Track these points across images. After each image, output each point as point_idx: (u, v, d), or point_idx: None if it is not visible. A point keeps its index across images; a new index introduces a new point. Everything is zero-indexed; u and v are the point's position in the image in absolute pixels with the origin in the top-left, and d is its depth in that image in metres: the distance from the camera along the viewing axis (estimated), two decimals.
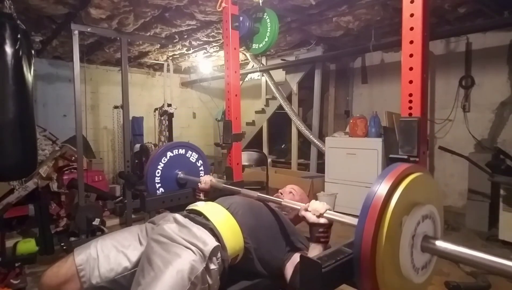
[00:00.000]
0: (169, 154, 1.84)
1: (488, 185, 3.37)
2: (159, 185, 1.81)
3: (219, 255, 1.19)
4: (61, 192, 3.64)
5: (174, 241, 1.18)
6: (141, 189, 1.85)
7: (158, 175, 1.81)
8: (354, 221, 0.96)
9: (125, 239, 1.32)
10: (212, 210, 1.35)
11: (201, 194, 1.72)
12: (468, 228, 3.55)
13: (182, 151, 1.89)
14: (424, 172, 0.89)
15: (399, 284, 0.82)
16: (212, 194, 1.70)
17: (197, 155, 1.94)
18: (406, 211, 0.81)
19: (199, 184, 1.73)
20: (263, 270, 1.32)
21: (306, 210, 1.14)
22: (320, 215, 1.11)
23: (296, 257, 1.27)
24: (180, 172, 1.86)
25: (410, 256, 0.82)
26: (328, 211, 1.11)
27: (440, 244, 0.83)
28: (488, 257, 0.76)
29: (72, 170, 3.71)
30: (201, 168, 1.95)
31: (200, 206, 1.39)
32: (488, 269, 0.75)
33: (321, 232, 1.12)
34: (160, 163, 1.81)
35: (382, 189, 0.80)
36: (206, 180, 1.70)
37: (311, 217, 1.12)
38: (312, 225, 1.13)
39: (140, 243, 1.31)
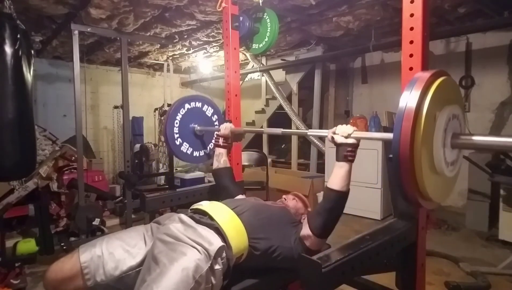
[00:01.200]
0: (187, 106, 1.90)
1: (488, 185, 3.37)
2: (177, 135, 1.87)
3: (224, 254, 1.19)
4: (61, 192, 3.63)
5: (180, 240, 1.19)
6: (141, 189, 1.85)
7: (177, 125, 1.86)
8: (386, 135, 1.07)
9: (131, 238, 1.32)
10: (217, 210, 1.35)
11: (221, 139, 1.78)
12: (468, 228, 3.55)
13: (199, 105, 1.94)
14: (447, 76, 0.94)
15: (434, 179, 0.90)
16: (233, 139, 1.79)
17: (212, 110, 2.00)
18: (439, 108, 0.88)
19: (217, 132, 1.80)
20: (269, 265, 1.33)
21: (334, 133, 1.21)
22: (348, 136, 1.18)
23: (304, 222, 1.33)
24: (196, 125, 1.92)
25: (442, 151, 0.89)
26: (355, 132, 1.19)
27: (468, 137, 0.93)
28: (504, 139, 0.85)
29: (72, 170, 3.70)
30: (216, 123, 2.01)
31: (205, 205, 1.39)
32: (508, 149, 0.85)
33: (349, 151, 1.19)
34: (178, 114, 1.86)
35: (414, 94, 0.85)
36: (226, 126, 1.77)
37: (340, 138, 1.20)
38: (340, 145, 1.20)
39: (146, 243, 1.31)
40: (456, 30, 3.79)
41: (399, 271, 1.25)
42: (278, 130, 1.52)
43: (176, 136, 1.86)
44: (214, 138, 1.86)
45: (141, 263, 1.23)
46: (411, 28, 1.15)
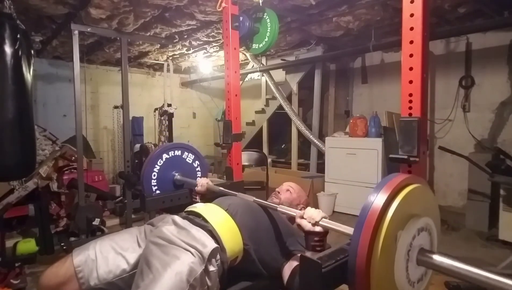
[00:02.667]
0: (165, 156, 1.83)
1: (488, 185, 3.37)
2: (156, 187, 1.81)
3: (218, 257, 1.19)
4: (61, 192, 3.63)
5: (172, 243, 1.17)
6: (141, 189, 1.85)
7: (155, 177, 1.81)
8: (350, 230, 0.93)
9: (124, 241, 1.32)
10: (211, 211, 1.34)
11: (197, 197, 1.71)
12: (468, 228, 3.55)
13: (178, 153, 1.88)
14: (421, 183, 0.88)
15: None
16: (209, 196, 1.68)
17: (193, 156, 1.93)
18: (402, 225, 0.79)
19: (195, 188, 1.71)
20: (263, 270, 1.32)
21: (302, 217, 1.10)
22: (315, 223, 1.07)
23: (293, 260, 1.26)
24: (177, 174, 1.86)
25: (405, 270, 0.80)
26: (323, 219, 1.07)
27: (436, 258, 0.82)
28: (485, 274, 0.73)
29: (72, 170, 3.70)
30: (198, 168, 1.95)
31: (199, 207, 1.38)
32: (485, 286, 0.73)
33: (317, 241, 1.07)
34: (156, 166, 1.81)
35: (378, 201, 0.79)
36: (203, 183, 1.68)
37: (307, 225, 1.08)
38: (308, 233, 1.09)
39: (139, 245, 1.31)
40: (456, 30, 3.79)
41: None
42: (251, 198, 1.39)
43: (154, 188, 1.81)
44: (193, 192, 1.78)
45: (134, 266, 1.23)
46: (411, 28, 1.15)
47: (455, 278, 0.81)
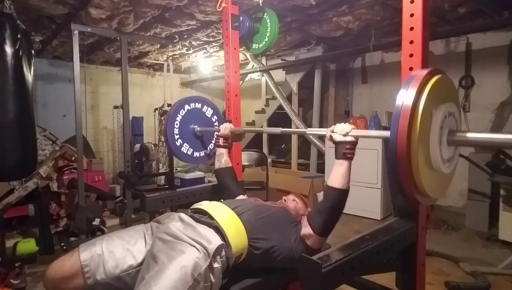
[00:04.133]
0: (186, 107, 1.91)
1: (488, 185, 3.36)
2: (178, 136, 1.89)
3: (223, 253, 1.20)
4: (61, 192, 3.64)
5: (179, 239, 1.19)
6: (141, 189, 1.86)
7: (177, 126, 1.88)
8: (383, 133, 1.09)
9: (131, 237, 1.32)
10: (217, 209, 1.36)
11: (221, 140, 1.79)
12: (468, 228, 3.55)
13: (198, 105, 1.96)
14: (443, 74, 0.94)
15: (431, 176, 0.91)
16: (232, 140, 1.80)
17: (212, 110, 2.01)
18: (435, 105, 0.89)
19: (217, 132, 1.81)
20: (269, 265, 1.33)
21: (333, 131, 1.22)
22: (346, 134, 1.19)
23: (304, 221, 1.34)
24: (196, 126, 1.93)
25: (439, 149, 0.89)
26: (353, 130, 1.20)
27: (463, 134, 0.93)
28: (500, 136, 0.85)
29: (72, 170, 3.70)
30: (216, 123, 2.02)
31: (205, 205, 1.40)
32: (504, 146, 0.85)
33: (348, 148, 1.20)
34: (179, 115, 1.88)
35: (410, 92, 0.86)
36: (226, 126, 1.79)
37: (338, 137, 1.21)
38: (339, 143, 1.21)
39: (146, 242, 1.31)
40: (456, 30, 3.79)
41: (399, 271, 1.25)
42: (278, 130, 1.53)
43: (176, 137, 1.87)
44: (214, 138, 1.88)
45: (141, 263, 1.24)
46: (411, 28, 1.15)
47: (480, 147, 0.97)
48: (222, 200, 1.55)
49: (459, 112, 1.00)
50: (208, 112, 1.99)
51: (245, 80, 6.11)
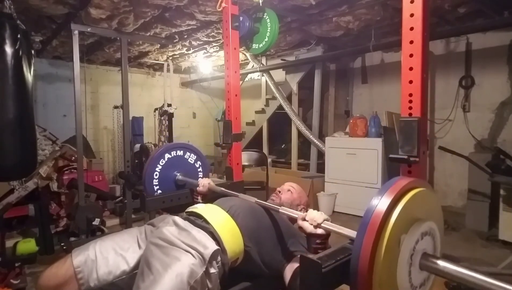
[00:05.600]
0: (167, 156, 1.83)
1: (488, 185, 3.36)
2: (157, 187, 1.81)
3: (219, 258, 1.18)
4: (61, 192, 3.63)
5: (173, 244, 1.17)
6: (141, 189, 1.85)
7: (156, 177, 1.81)
8: (352, 233, 0.94)
9: (124, 242, 1.31)
10: (212, 212, 1.34)
11: (199, 197, 1.70)
12: (468, 228, 3.55)
13: (180, 153, 1.88)
14: (425, 187, 0.87)
15: None
16: (211, 196, 1.68)
17: (195, 156, 1.93)
18: (405, 229, 0.79)
19: (197, 188, 1.70)
20: (265, 270, 1.32)
21: (304, 219, 1.10)
22: (317, 225, 1.06)
23: (294, 262, 1.25)
24: (178, 174, 1.86)
25: (408, 275, 0.80)
26: (325, 222, 1.07)
27: (440, 263, 0.81)
28: (488, 280, 0.73)
29: (72, 170, 3.70)
30: (200, 169, 1.94)
31: (200, 208, 1.38)
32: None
33: (319, 243, 1.07)
34: (158, 165, 1.81)
35: (382, 205, 0.78)
36: (204, 183, 1.67)
37: (308, 227, 1.08)
38: (310, 236, 1.09)
39: (139, 246, 1.30)
40: (456, 30, 3.79)
41: None
42: (252, 199, 1.38)
43: (155, 188, 1.80)
44: (194, 193, 1.77)
45: (134, 267, 1.23)
46: (411, 28, 1.15)
47: (459, 283, 0.80)
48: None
49: (440, 229, 0.89)
50: (191, 158, 1.91)
51: (245, 80, 6.11)
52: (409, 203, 0.79)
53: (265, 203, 1.36)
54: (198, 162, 1.94)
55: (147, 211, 3.29)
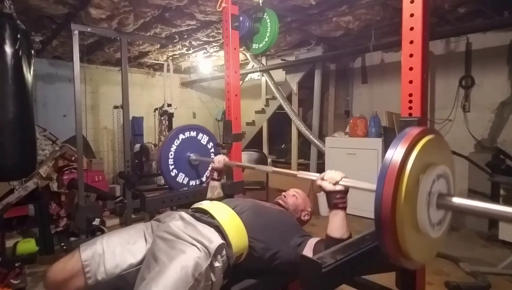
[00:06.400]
0: (181, 136, 1.90)
1: (488, 185, 3.36)
2: (173, 166, 1.88)
3: (224, 252, 1.20)
4: (61, 192, 3.63)
5: (179, 237, 1.19)
6: (141, 189, 1.87)
7: (172, 157, 1.87)
8: (371, 186, 1.02)
9: (131, 236, 1.32)
10: (218, 209, 1.36)
11: (215, 173, 1.75)
12: (468, 228, 3.55)
13: (193, 134, 1.96)
14: (436, 134, 0.92)
15: (417, 239, 0.87)
16: (226, 172, 1.77)
17: (207, 138, 2.00)
18: (422, 170, 0.85)
19: (212, 164, 1.76)
20: (267, 267, 1.33)
21: (323, 179, 1.18)
22: (336, 183, 1.15)
23: (310, 242, 1.29)
24: (192, 154, 1.92)
25: (427, 212, 0.86)
26: (343, 179, 1.16)
27: (454, 200, 0.88)
28: (498, 208, 0.79)
29: (72, 170, 3.70)
30: (212, 150, 2.01)
31: (206, 205, 1.40)
32: (500, 218, 0.79)
33: (339, 198, 1.16)
34: (173, 145, 1.87)
35: (398, 151, 0.83)
36: (220, 159, 1.74)
37: (328, 186, 1.16)
38: (329, 193, 1.17)
39: (146, 240, 1.31)
40: (456, 30, 3.78)
41: (399, 271, 1.25)
42: (270, 168, 1.47)
43: (171, 167, 1.86)
44: (209, 170, 1.82)
45: (141, 261, 1.24)
46: (411, 28, 1.15)
47: (473, 215, 0.90)
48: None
49: (452, 172, 0.95)
50: (204, 139, 1.98)
51: (245, 80, 6.11)
52: (424, 147, 0.86)
53: (282, 170, 1.44)
54: (210, 143, 2.02)
55: (147, 211, 3.30)
